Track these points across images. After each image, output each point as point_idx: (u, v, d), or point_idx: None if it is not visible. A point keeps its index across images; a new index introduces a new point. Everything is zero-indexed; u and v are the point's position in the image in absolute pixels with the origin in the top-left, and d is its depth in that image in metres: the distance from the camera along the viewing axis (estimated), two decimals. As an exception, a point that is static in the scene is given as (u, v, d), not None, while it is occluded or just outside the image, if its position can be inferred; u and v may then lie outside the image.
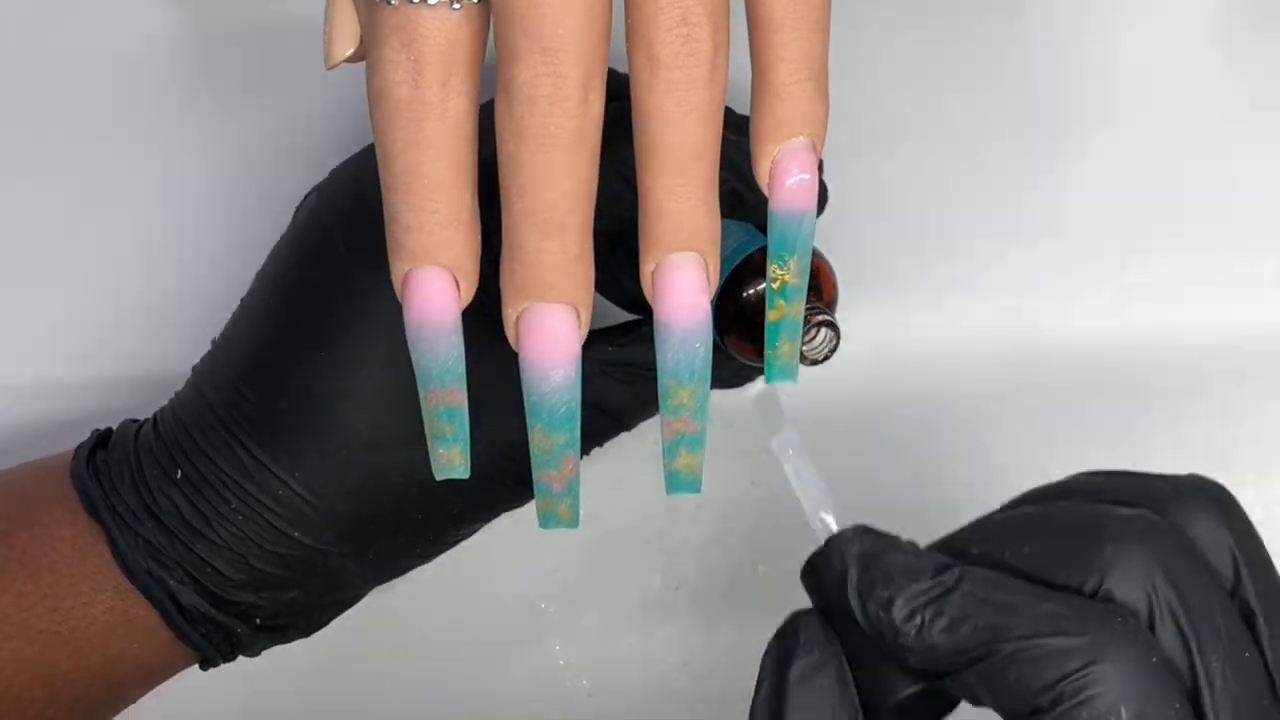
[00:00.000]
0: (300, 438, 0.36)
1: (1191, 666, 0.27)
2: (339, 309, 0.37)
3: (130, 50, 0.45)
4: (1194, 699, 0.27)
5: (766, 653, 0.31)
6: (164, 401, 0.40)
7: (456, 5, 0.27)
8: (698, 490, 0.33)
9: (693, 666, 0.47)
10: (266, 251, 0.40)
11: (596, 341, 0.40)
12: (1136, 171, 0.47)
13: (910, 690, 0.29)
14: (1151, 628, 0.27)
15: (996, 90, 0.47)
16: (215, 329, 0.40)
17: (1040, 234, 0.47)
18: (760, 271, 0.36)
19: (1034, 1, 0.47)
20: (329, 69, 0.31)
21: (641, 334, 0.38)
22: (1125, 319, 0.47)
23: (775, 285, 0.31)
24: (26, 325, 0.46)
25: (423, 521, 0.38)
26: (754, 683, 0.42)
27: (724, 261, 0.37)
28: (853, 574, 0.29)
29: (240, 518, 0.37)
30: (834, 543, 0.30)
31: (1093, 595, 0.28)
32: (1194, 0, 0.47)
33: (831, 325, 0.36)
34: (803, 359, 0.36)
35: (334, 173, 0.39)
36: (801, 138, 0.29)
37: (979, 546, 0.29)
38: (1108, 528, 0.28)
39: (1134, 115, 0.47)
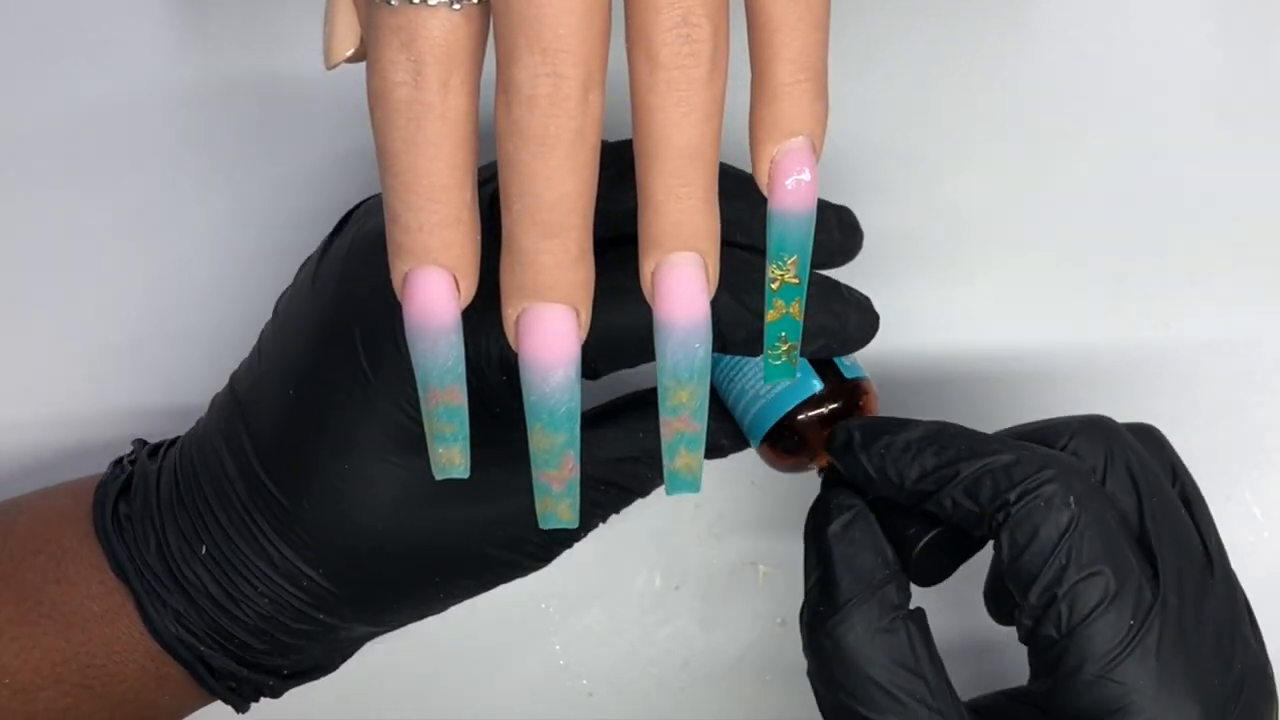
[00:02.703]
0: (324, 537, 0.37)
1: (1140, 512, 0.35)
2: (361, 428, 0.36)
3: (151, 89, 0.46)
4: (1140, 541, 0.35)
5: (805, 530, 0.38)
6: (179, 431, 0.40)
7: (457, 5, 0.27)
8: (697, 490, 0.33)
9: (693, 666, 0.47)
10: (284, 279, 0.40)
11: (588, 444, 0.37)
12: (1137, 171, 0.47)
13: (931, 534, 0.37)
14: (1103, 481, 0.36)
15: (996, 91, 0.47)
16: (233, 358, 0.40)
17: (1040, 233, 0.47)
18: (815, 406, 0.39)
19: (1034, 2, 0.47)
20: (329, 69, 0.31)
21: (618, 426, 0.39)
22: (1124, 319, 0.47)
23: (774, 286, 0.31)
24: (43, 354, 0.46)
25: (445, 599, 0.39)
26: (756, 684, 0.44)
27: (783, 397, 0.39)
28: (857, 435, 0.37)
29: (266, 600, 0.37)
30: (838, 425, 0.38)
31: None
32: (1194, 0, 0.47)
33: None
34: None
35: (355, 243, 0.38)
36: (801, 138, 0.29)
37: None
38: (1068, 423, 0.37)
39: (1134, 115, 0.47)
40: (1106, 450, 0.36)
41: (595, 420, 0.39)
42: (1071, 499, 0.34)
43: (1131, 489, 0.35)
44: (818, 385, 0.39)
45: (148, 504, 0.38)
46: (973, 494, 0.35)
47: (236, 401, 0.38)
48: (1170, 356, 0.47)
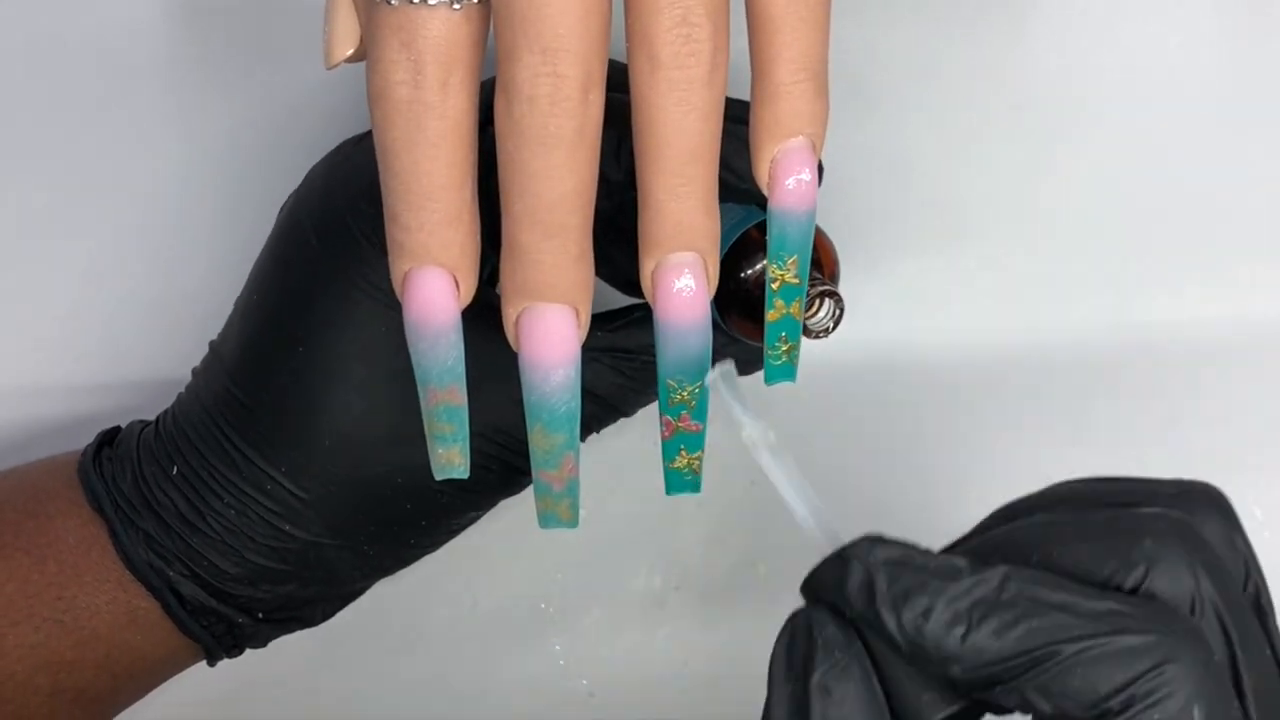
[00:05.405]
0: (284, 434, 0.37)
1: (1233, 660, 0.26)
2: (315, 306, 0.37)
3: (133, 46, 0.45)
4: (1239, 695, 0.26)
5: (774, 659, 0.27)
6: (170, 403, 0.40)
7: (457, 5, 0.27)
8: (698, 490, 0.33)
9: (693, 666, 0.47)
10: None
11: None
12: (1136, 171, 0.47)
13: (947, 711, 0.26)
14: None
15: (996, 90, 0.47)
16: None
17: (1040, 233, 0.47)
18: (759, 247, 0.36)
19: (1034, 2, 0.47)
20: (329, 69, 0.31)
21: (633, 319, 0.38)
22: (1124, 317, 0.47)
23: (775, 285, 0.31)
24: (39, 328, 0.46)
25: (413, 512, 0.38)
26: (756, 684, 0.42)
27: (722, 239, 0.37)
28: (881, 583, 0.26)
29: (232, 512, 0.37)
30: (850, 553, 0.27)
31: (1134, 591, 0.26)
32: (1194, 0, 0.47)
33: (834, 296, 0.35)
34: (807, 332, 0.35)
35: (309, 173, 0.39)
36: (801, 138, 0.29)
37: (997, 556, 0.26)
38: (1143, 524, 0.26)
39: (1134, 115, 0.47)
40: (1193, 582, 0.26)
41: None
42: (1196, 712, 0.24)
43: (1222, 637, 0.26)
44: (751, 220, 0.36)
45: (129, 447, 0.39)
46: (1056, 690, 0.25)
47: (212, 347, 0.39)
48: (1170, 356, 0.47)
